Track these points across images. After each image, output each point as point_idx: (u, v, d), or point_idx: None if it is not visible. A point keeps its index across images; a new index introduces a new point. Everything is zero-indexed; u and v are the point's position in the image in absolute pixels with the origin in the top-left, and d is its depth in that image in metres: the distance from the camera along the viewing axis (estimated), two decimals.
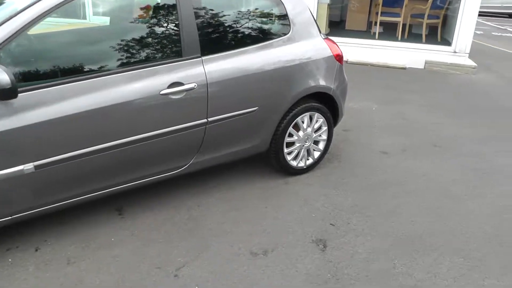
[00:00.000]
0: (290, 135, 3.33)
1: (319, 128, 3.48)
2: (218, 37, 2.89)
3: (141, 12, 2.69)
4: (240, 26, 3.02)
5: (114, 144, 2.46)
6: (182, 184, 3.23)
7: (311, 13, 3.40)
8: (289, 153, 3.38)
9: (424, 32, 7.74)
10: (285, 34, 3.18)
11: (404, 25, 7.89)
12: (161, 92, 2.53)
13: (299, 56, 3.19)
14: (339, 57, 3.47)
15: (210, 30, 2.85)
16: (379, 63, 7.25)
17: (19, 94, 2.14)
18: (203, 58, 2.73)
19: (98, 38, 2.62)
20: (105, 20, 2.73)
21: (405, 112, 5.17)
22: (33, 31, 2.24)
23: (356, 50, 7.36)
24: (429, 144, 4.20)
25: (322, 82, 3.31)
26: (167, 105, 2.58)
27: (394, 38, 7.71)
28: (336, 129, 4.22)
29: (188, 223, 2.78)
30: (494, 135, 4.52)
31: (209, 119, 2.78)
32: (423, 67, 7.24)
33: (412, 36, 8.05)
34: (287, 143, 3.32)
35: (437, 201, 3.16)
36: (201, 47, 2.73)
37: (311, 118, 3.38)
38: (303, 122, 3.35)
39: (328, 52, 3.37)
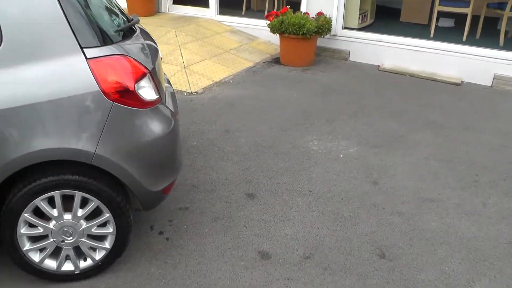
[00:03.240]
0: (32, 225, 1.97)
1: (99, 215, 2.05)
2: None
3: None
4: None
5: None
6: None
7: (61, 9, 1.84)
8: (41, 250, 2.03)
9: (503, 31, 5.16)
10: None
11: (474, 19, 5.39)
12: None
13: (8, 92, 1.80)
14: (121, 94, 1.92)
15: None
16: (423, 74, 5.01)
17: None
18: None
19: None
20: None
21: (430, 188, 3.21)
22: None
23: (396, 52, 5.21)
24: None
25: (66, 143, 1.87)
26: None
27: (456, 38, 5.29)
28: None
29: None
30: None
31: None
32: (489, 84, 4.83)
33: (486, 35, 5.49)
34: (31, 237, 2.01)
35: None
36: None
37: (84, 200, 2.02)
38: (52, 206, 1.98)
39: (88, 84, 1.86)
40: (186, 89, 4.56)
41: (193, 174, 3.08)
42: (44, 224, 2.00)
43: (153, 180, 2.13)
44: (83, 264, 2.19)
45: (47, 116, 1.83)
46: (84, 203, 2.04)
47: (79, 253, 2.16)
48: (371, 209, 2.75)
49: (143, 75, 2.03)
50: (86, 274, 2.20)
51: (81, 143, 1.88)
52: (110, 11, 2.32)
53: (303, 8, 5.63)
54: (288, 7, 5.47)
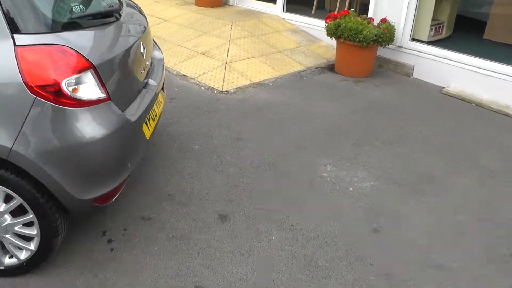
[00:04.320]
0: None
1: (24, 214, 1.93)
2: None
3: None
4: None
5: None
6: None
7: None
8: None
9: None
10: None
11: None
12: None
13: None
14: (45, 90, 1.75)
15: None
16: (494, 105, 4.15)
17: None
18: None
19: None
20: None
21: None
22: None
23: (466, 74, 4.41)
24: None
25: None
26: None
27: None
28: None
29: None
30: None
31: None
32: None
33: None
34: None
35: None
36: None
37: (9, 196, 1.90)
38: None
39: (12, 75, 1.72)
40: (218, 87, 4.31)
41: (176, 181, 2.84)
42: None
43: (81, 187, 1.92)
44: (7, 261, 2.07)
45: None
46: (9, 199, 1.90)
47: (7, 251, 2.05)
48: (354, 262, 2.26)
49: (81, 70, 1.81)
50: (12, 271, 2.08)
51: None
52: None
53: (370, 13, 5.03)
54: (351, 9, 4.93)
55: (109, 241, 2.33)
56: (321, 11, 6.52)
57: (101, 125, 1.90)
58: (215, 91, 4.26)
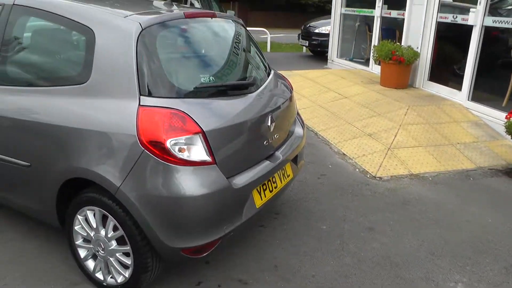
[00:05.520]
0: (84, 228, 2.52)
1: (124, 244, 2.37)
2: (12, 67, 2.67)
3: None
4: (30, 59, 2.64)
5: None
6: None
7: (135, 58, 2.20)
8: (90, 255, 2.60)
9: None
10: (80, 83, 2.31)
11: None
12: None
13: (82, 117, 2.29)
14: (153, 145, 2.11)
15: (11, 57, 2.66)
16: None
17: None
18: None
19: None
20: None
21: None
22: None
23: None
24: None
25: (99, 169, 2.21)
26: None
27: None
28: None
29: None
30: None
31: None
32: None
33: None
34: (81, 235, 2.56)
35: None
36: None
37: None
38: (86, 220, 2.47)
39: (129, 128, 2.14)
40: (372, 172, 4.38)
41: (287, 255, 3.02)
42: (87, 230, 2.47)
43: (170, 235, 2.22)
44: (109, 280, 2.52)
45: (93, 141, 2.22)
46: (116, 229, 2.36)
47: (110, 270, 2.51)
48: None
49: (190, 133, 2.16)
50: None
51: (110, 174, 2.17)
52: (212, 65, 2.60)
53: None
54: None
55: None
56: None
57: (200, 185, 2.18)
58: (368, 175, 4.34)
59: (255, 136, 2.58)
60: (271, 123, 2.67)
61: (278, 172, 2.84)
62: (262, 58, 3.18)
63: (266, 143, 2.68)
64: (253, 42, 3.16)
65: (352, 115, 5.80)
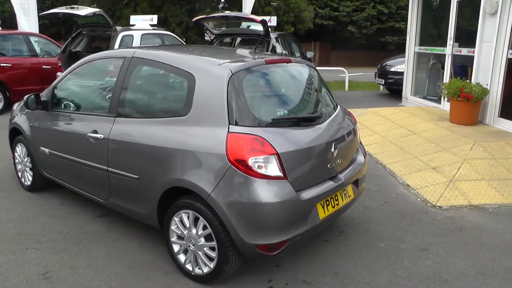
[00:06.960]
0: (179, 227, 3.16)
1: (211, 240, 2.96)
2: (130, 104, 3.44)
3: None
4: (145, 98, 3.46)
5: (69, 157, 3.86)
6: None
7: (226, 96, 2.86)
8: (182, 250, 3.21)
9: None
10: (183, 115, 3.03)
11: None
12: (87, 134, 3.54)
13: (183, 141, 2.95)
14: (238, 162, 2.72)
15: (129, 96, 3.45)
16: None
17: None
18: (116, 118, 3.43)
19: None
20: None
21: None
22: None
23: None
24: None
25: (195, 180, 2.85)
26: (90, 145, 3.55)
27: None
28: None
29: None
30: None
31: (108, 168, 3.38)
32: None
33: None
34: (176, 233, 3.19)
35: None
36: (118, 109, 3.44)
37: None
38: (181, 221, 3.08)
39: (220, 149, 2.78)
40: (432, 201, 4.69)
41: (347, 265, 3.47)
42: (181, 229, 3.08)
43: (248, 233, 2.76)
44: (196, 270, 3.08)
45: (191, 159, 2.85)
46: (205, 228, 2.93)
47: (198, 262, 3.07)
48: None
49: (267, 154, 2.75)
50: (198, 278, 3.11)
51: (203, 183, 2.80)
52: (287, 102, 3.23)
53: None
54: None
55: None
56: None
57: (274, 195, 2.72)
58: (428, 204, 4.66)
59: (320, 159, 3.15)
60: (334, 150, 3.23)
61: (340, 191, 3.37)
62: (330, 96, 3.81)
63: (329, 166, 3.24)
64: (323, 82, 3.81)
65: (419, 150, 6.12)
